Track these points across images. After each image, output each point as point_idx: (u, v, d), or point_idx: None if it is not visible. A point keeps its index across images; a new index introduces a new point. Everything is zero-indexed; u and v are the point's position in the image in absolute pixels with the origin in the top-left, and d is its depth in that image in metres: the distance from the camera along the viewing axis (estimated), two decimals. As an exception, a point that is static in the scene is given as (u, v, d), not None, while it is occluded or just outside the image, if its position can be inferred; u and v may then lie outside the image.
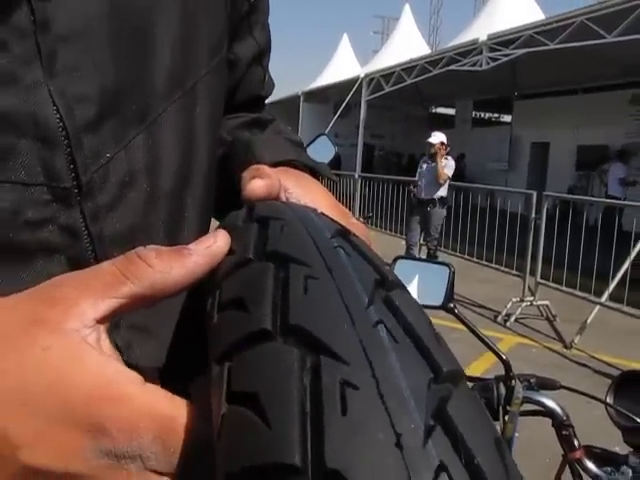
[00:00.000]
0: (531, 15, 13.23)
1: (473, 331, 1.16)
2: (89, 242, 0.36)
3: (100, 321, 0.28)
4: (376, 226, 9.74)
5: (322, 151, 1.70)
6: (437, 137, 6.83)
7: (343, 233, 0.32)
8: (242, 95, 0.63)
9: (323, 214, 0.36)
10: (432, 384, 0.23)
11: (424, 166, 6.94)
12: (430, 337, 0.26)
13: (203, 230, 0.49)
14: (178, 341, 0.42)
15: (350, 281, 0.27)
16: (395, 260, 1.19)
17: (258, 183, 0.40)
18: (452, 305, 1.14)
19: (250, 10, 0.57)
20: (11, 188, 0.33)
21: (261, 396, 0.22)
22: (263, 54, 0.63)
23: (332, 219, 0.35)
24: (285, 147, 0.54)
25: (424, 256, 6.82)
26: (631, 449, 1.07)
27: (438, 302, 1.14)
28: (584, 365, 4.54)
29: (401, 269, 1.18)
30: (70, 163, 0.35)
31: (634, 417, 1.04)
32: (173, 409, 0.27)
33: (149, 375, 0.29)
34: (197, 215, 0.47)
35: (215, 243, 0.32)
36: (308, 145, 0.92)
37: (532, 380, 1.18)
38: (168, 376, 0.31)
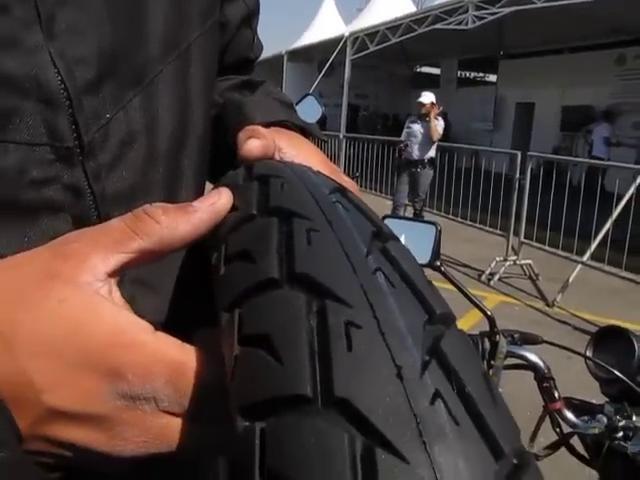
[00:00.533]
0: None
1: (459, 288, 1.19)
2: (92, 200, 0.38)
3: (111, 275, 0.30)
4: (361, 186, 9.73)
5: (309, 111, 1.70)
6: (428, 97, 6.81)
7: (340, 189, 0.34)
8: (231, 57, 0.63)
9: (319, 172, 0.37)
10: (427, 325, 0.25)
11: (413, 126, 6.89)
12: (424, 283, 0.28)
13: (199, 190, 0.50)
14: (179, 295, 0.44)
15: (349, 233, 0.29)
16: (382, 219, 1.21)
17: (255, 143, 0.41)
18: (438, 263, 1.16)
19: None
20: (16, 148, 0.34)
21: (273, 337, 0.24)
22: (252, 16, 0.63)
23: (327, 176, 0.37)
24: (276, 108, 0.55)
25: (410, 216, 6.84)
26: (607, 399, 1.12)
27: (425, 260, 1.16)
28: (565, 323, 4.63)
29: (388, 228, 1.20)
30: (72, 124, 0.36)
31: (611, 369, 1.08)
32: (183, 355, 0.29)
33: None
34: (193, 176, 0.48)
35: (219, 200, 0.33)
36: (295, 105, 0.92)
37: (516, 335, 1.22)
38: (170, 329, 0.33)
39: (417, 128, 6.84)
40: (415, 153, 6.83)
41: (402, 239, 1.19)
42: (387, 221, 1.20)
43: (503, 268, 5.73)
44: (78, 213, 0.37)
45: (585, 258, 5.35)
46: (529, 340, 1.22)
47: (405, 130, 7.02)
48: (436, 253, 1.15)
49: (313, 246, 0.27)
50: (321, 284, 0.25)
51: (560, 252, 5.84)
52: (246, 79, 0.63)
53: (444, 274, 1.17)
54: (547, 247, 6.00)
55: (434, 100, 6.82)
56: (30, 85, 0.34)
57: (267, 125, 0.49)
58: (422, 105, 6.78)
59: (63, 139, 0.36)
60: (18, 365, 0.27)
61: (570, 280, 5.13)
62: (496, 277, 5.65)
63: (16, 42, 0.33)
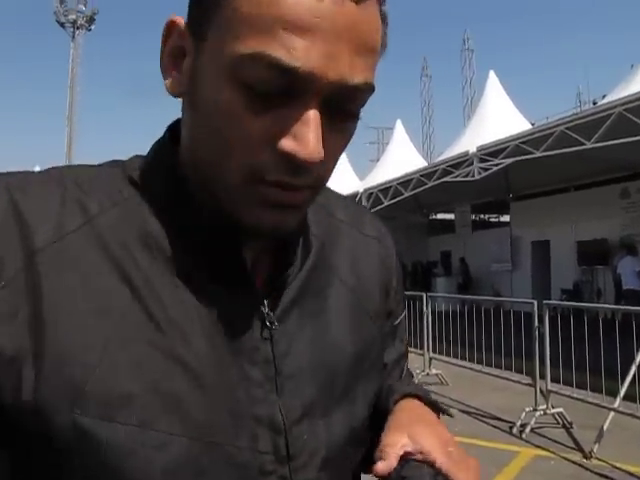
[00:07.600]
0: (516, 121, 13.94)
1: None
2: None
3: None
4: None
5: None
6: None
7: None
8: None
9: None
10: None
11: None
12: None
13: None
14: None
15: None
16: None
17: (380, 466, 0.62)
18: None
19: (392, 330, 0.83)
20: (256, 454, 0.59)
21: None
22: (401, 358, 0.87)
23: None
24: (414, 388, 0.77)
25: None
26: None
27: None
28: (606, 476, 4.43)
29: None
30: (285, 443, 0.61)
31: None
32: None
33: None
34: None
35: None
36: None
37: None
38: None
39: None
40: None
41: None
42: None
43: (534, 418, 5.59)
44: None
45: (616, 404, 5.19)
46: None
47: None
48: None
49: None
50: None
51: (590, 399, 5.62)
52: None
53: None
54: (575, 394, 5.80)
55: None
56: (266, 422, 0.60)
57: (406, 395, 0.75)
58: None
59: (280, 450, 0.60)
60: None
61: (605, 428, 4.96)
62: (528, 429, 5.49)
63: (267, 399, 0.60)
